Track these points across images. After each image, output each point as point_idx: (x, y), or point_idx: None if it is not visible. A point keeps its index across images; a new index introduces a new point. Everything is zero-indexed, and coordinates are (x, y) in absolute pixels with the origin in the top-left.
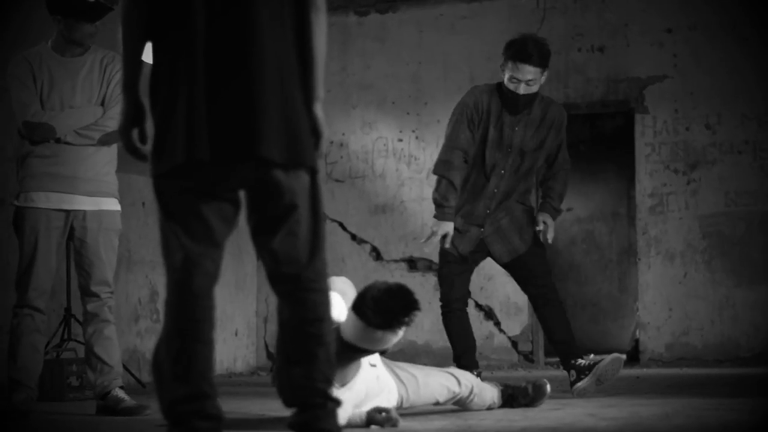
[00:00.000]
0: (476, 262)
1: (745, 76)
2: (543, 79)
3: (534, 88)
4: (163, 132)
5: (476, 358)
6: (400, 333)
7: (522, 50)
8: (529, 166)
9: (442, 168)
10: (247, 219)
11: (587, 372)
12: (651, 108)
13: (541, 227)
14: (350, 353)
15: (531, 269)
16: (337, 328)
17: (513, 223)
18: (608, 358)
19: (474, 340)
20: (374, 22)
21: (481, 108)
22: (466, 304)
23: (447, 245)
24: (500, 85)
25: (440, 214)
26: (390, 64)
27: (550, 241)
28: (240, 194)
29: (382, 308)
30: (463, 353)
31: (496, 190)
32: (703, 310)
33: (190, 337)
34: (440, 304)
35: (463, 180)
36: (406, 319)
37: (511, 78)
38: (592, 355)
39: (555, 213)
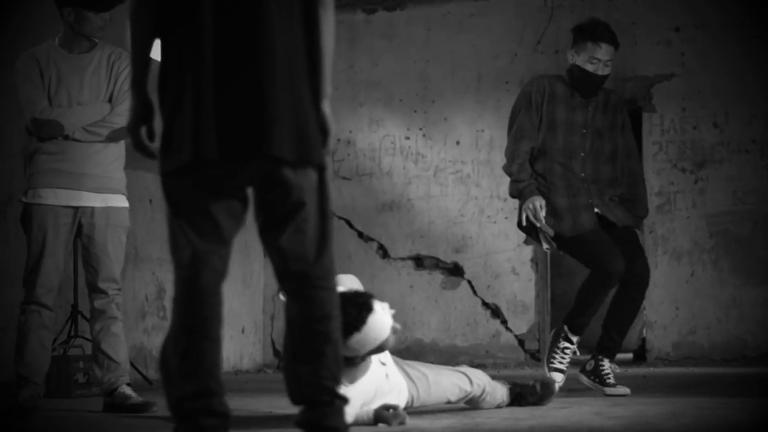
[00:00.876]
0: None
1: (753, 75)
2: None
3: (608, 70)
4: (171, 129)
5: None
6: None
7: (601, 31)
8: (611, 148)
9: (510, 160)
10: (255, 216)
11: (593, 377)
12: (658, 107)
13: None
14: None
15: (634, 248)
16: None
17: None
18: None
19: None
20: (382, 19)
21: (543, 91)
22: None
23: (542, 219)
24: (568, 72)
25: (527, 191)
26: (397, 62)
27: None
28: (248, 191)
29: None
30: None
31: (583, 175)
32: (710, 309)
33: (197, 334)
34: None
35: (542, 175)
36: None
37: (591, 59)
38: (616, 368)
39: (642, 210)
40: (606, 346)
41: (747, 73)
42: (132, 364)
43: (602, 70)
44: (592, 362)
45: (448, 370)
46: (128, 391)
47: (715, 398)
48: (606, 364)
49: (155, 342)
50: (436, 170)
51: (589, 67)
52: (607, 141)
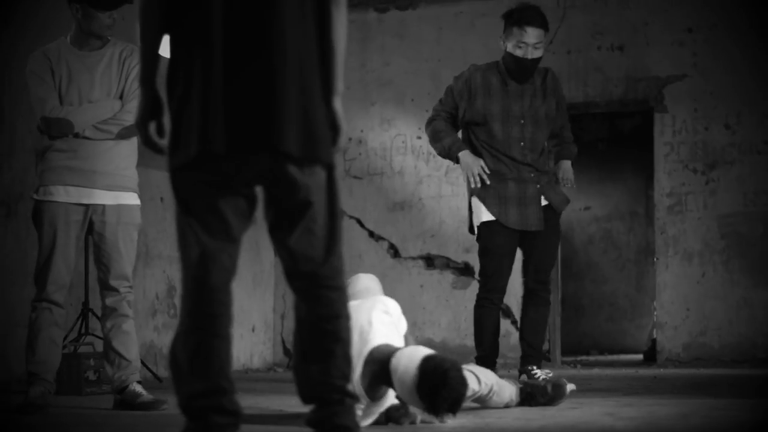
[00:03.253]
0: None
1: (766, 76)
2: (545, 44)
3: (539, 52)
4: (180, 124)
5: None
6: None
7: (526, 15)
8: (544, 136)
9: (430, 127)
10: (264, 215)
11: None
12: (670, 107)
13: (561, 175)
14: (386, 380)
15: (539, 258)
16: (388, 352)
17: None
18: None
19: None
20: (394, 18)
21: (474, 83)
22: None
23: (477, 173)
24: (502, 60)
25: (455, 147)
26: (409, 61)
27: (567, 184)
28: (257, 190)
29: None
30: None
31: (527, 162)
32: (721, 311)
33: (207, 332)
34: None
35: (492, 170)
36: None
37: (518, 43)
38: (550, 373)
39: (572, 155)
40: (526, 355)
41: (760, 74)
42: (142, 362)
43: (531, 53)
44: (525, 377)
45: None
46: (139, 388)
47: (726, 399)
48: (537, 372)
49: (165, 340)
50: (447, 170)
51: (518, 52)
52: (545, 128)
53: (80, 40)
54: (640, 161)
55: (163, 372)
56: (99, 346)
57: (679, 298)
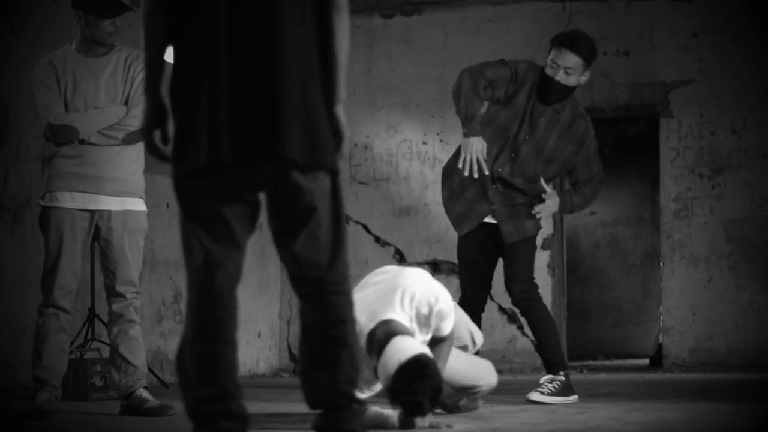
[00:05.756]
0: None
1: None
2: (584, 77)
3: (571, 80)
4: (185, 133)
5: None
6: None
7: (569, 37)
8: (534, 166)
9: (465, 82)
10: (268, 221)
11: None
12: (676, 112)
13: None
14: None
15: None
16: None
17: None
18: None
19: None
20: (400, 24)
21: (520, 76)
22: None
23: (474, 160)
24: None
25: (473, 127)
26: (415, 67)
27: (538, 216)
28: (260, 196)
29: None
30: None
31: (513, 155)
32: (727, 315)
33: (213, 338)
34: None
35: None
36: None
37: (551, 63)
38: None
39: (568, 203)
40: (543, 364)
41: (765, 79)
42: (149, 368)
43: (561, 77)
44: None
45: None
46: (145, 394)
47: (734, 404)
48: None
49: (172, 345)
50: None
51: (549, 72)
52: (543, 161)
53: (85, 47)
54: (646, 166)
55: (170, 377)
56: (105, 351)
57: (686, 302)
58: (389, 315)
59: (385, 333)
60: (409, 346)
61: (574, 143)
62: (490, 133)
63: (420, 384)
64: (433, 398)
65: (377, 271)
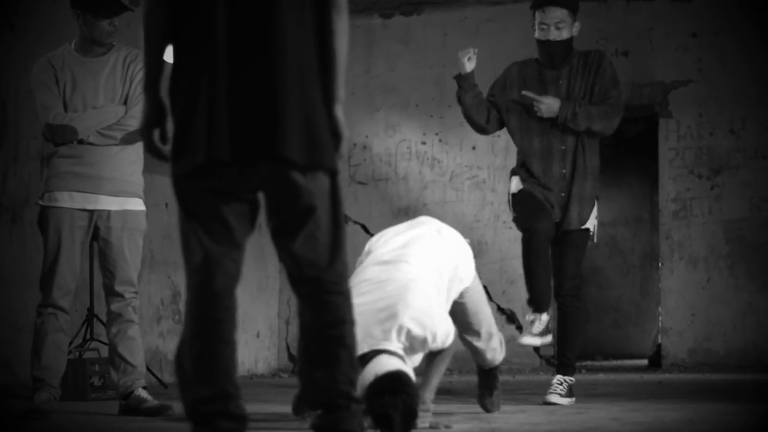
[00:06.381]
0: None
1: None
2: (575, 28)
3: (564, 33)
4: (184, 132)
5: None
6: None
7: None
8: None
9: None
10: (267, 221)
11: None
12: (675, 113)
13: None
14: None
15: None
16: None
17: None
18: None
19: None
20: (399, 24)
21: (510, 77)
22: None
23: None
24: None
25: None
26: (414, 67)
27: (536, 107)
28: (258, 196)
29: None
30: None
31: (563, 147)
32: (726, 316)
33: (212, 338)
34: None
35: (523, 152)
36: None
37: (540, 26)
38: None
39: (568, 110)
40: (560, 364)
41: (764, 79)
42: (147, 368)
43: (554, 35)
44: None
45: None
46: (144, 394)
47: (733, 405)
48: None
49: (170, 346)
50: (452, 175)
51: (540, 35)
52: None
53: (84, 46)
54: (645, 166)
55: (169, 377)
56: (104, 351)
57: (684, 303)
58: (384, 345)
59: (375, 352)
60: (392, 363)
61: (593, 72)
62: (530, 134)
63: (392, 398)
64: (405, 417)
65: (386, 238)
